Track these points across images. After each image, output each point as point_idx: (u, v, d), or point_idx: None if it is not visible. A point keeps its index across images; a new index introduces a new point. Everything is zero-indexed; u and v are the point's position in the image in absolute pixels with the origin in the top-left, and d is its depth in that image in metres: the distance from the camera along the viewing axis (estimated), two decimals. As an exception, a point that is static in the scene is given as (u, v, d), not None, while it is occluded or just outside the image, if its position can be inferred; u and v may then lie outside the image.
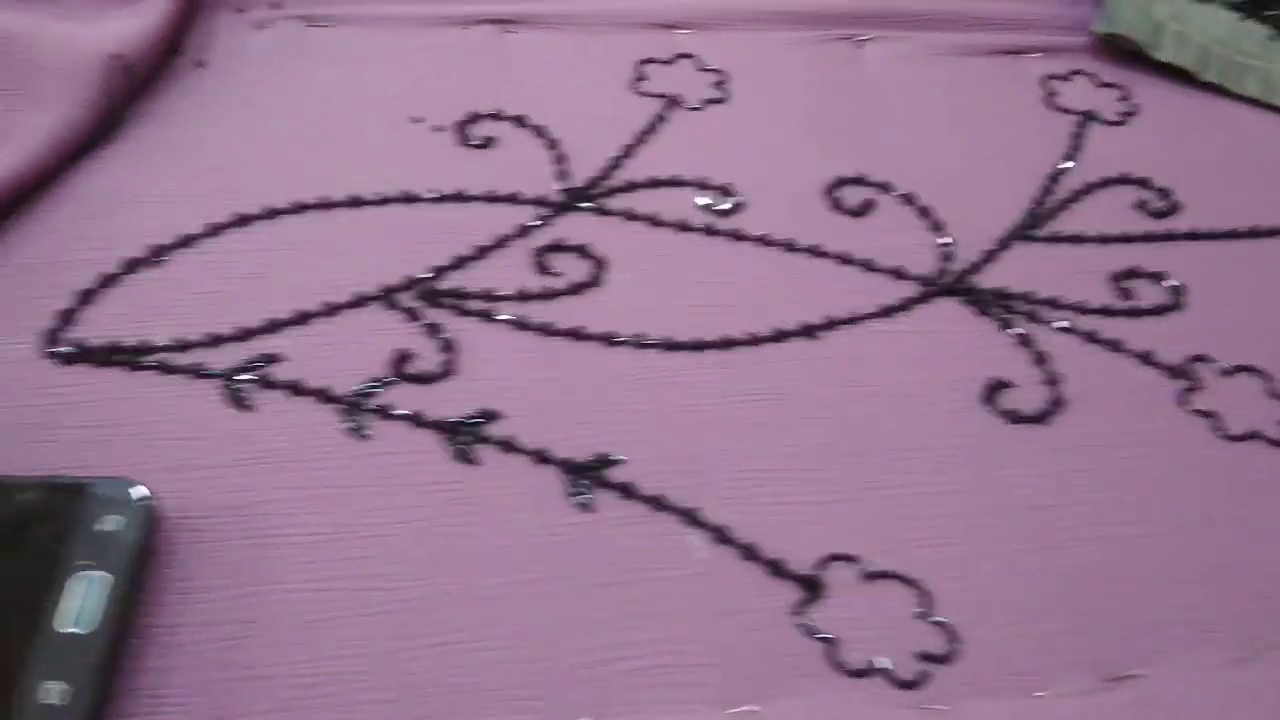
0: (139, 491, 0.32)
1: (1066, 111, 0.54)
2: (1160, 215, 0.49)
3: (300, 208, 0.44)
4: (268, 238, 0.43)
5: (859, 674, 0.33)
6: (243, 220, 0.43)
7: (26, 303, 0.39)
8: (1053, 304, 0.44)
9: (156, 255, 0.41)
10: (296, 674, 0.31)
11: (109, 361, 0.38)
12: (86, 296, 0.40)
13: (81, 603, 0.30)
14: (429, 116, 0.49)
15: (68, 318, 0.39)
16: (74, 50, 0.45)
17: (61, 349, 0.38)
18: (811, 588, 0.34)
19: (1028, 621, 0.34)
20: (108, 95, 0.45)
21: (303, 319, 0.40)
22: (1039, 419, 0.40)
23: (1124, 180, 0.51)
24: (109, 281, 0.40)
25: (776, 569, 0.35)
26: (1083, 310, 0.44)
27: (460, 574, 0.34)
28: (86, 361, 0.38)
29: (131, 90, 0.46)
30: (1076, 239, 0.48)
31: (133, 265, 0.41)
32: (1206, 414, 0.41)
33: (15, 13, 0.46)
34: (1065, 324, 0.44)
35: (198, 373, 0.38)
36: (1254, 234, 0.49)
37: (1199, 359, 0.43)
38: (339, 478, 0.36)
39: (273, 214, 0.44)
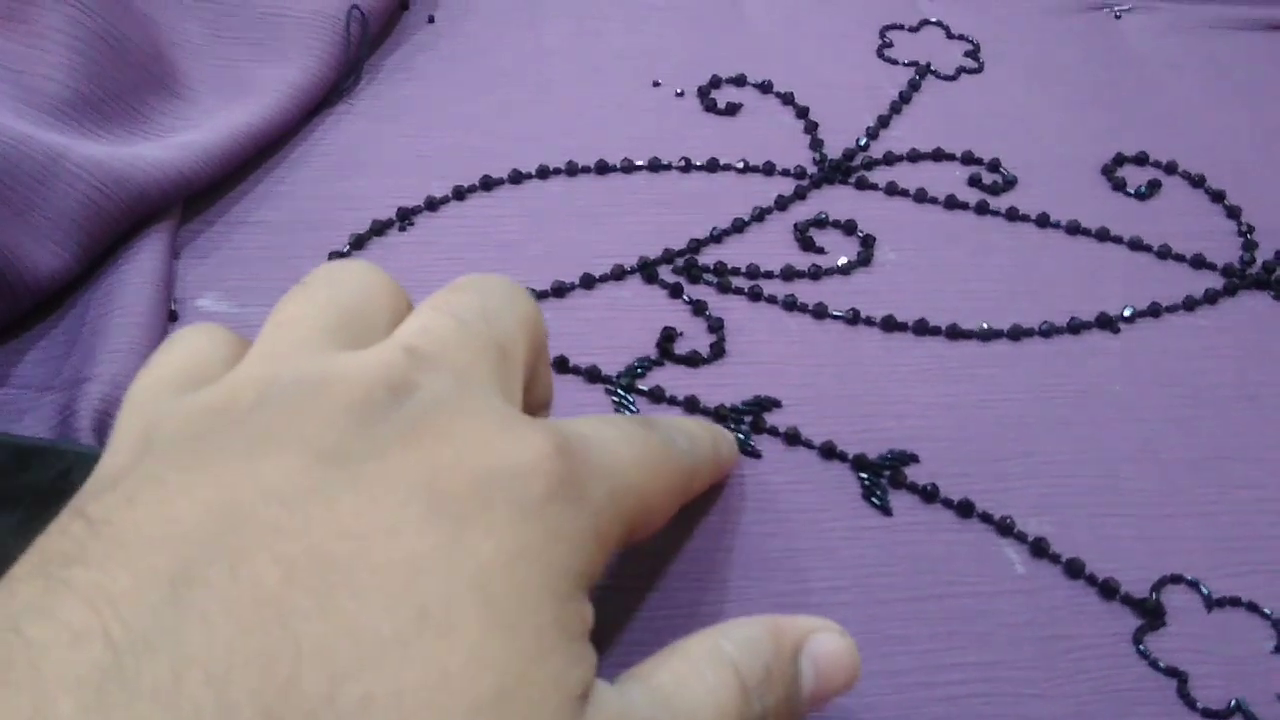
0: None
1: (1359, 91, 0.49)
2: None
3: (545, 172, 0.41)
4: (515, 203, 0.40)
5: (1217, 715, 0.29)
6: (487, 184, 0.41)
7: (276, 262, 0.37)
8: (1378, 303, 0.40)
9: (404, 218, 0.39)
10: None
11: (363, 328, 0.36)
12: (337, 257, 0.37)
13: None
14: (669, 80, 0.46)
15: (319, 281, 0.37)
16: None
17: (314, 313, 0.36)
18: (1152, 613, 0.30)
19: (1406, 665, 0.30)
20: (348, 47, 0.43)
21: (560, 291, 0.37)
22: (1381, 432, 0.36)
23: None
24: (358, 243, 0.38)
25: (1108, 590, 0.31)
26: None
27: (755, 578, 0.31)
28: (340, 328, 0.36)
29: (369, 42, 0.44)
30: (1393, 231, 0.43)
31: (380, 228, 0.39)
32: None
33: (254, -40, 0.44)
34: (1398, 326, 0.39)
35: (457, 344, 0.35)
36: None
37: None
38: (615, 464, 0.33)
39: (518, 178, 0.41)
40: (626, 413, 0.34)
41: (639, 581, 0.30)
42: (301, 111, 0.41)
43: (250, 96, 0.40)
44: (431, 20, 0.47)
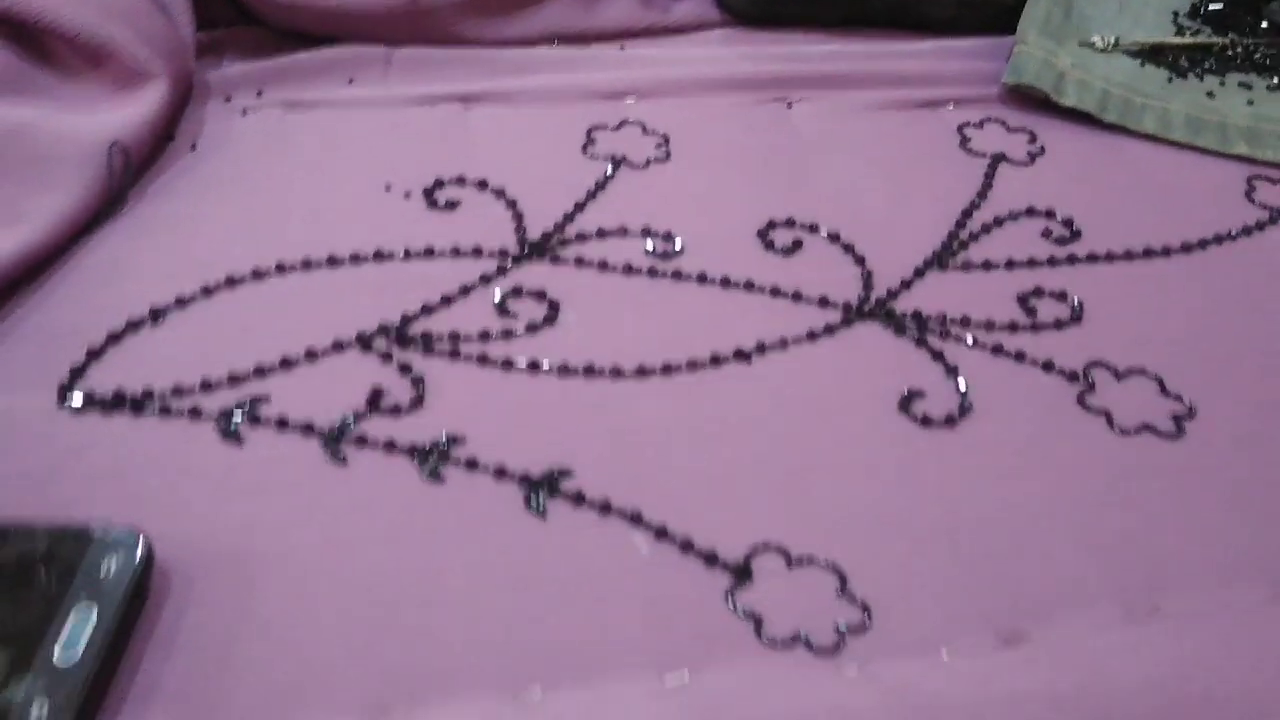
0: (135, 536, 0.36)
1: (979, 155, 0.60)
2: (1063, 242, 0.55)
3: (283, 268, 0.49)
4: (255, 296, 0.48)
5: (782, 645, 0.37)
6: (231, 282, 0.48)
7: (43, 361, 0.44)
8: (963, 323, 0.49)
9: (156, 316, 0.46)
10: (282, 668, 0.35)
11: (114, 409, 0.43)
12: (95, 353, 0.45)
13: (73, 631, 0.34)
14: (399, 185, 0.54)
15: (79, 373, 0.44)
16: (78, 138, 0.50)
17: (74, 401, 0.43)
18: (742, 573, 0.39)
19: (934, 595, 0.39)
20: (109, 177, 0.50)
21: (287, 364, 0.45)
22: (949, 423, 0.45)
23: (1030, 212, 0.56)
24: (114, 339, 0.45)
25: (710, 559, 0.39)
26: (991, 327, 0.49)
27: (429, 577, 0.38)
28: (95, 410, 0.43)
29: (131, 172, 0.52)
30: (986, 265, 0.53)
31: (135, 325, 0.46)
32: (1101, 412, 0.46)
33: (24, 106, 0.51)
34: (973, 339, 0.48)
35: (193, 414, 0.43)
36: (1147, 254, 0.54)
37: (1096, 364, 0.48)
38: (320, 499, 0.40)
39: (259, 275, 0.49)
40: (338, 460, 0.42)
41: (328, 589, 0.37)
42: (68, 234, 0.48)
43: (22, 224, 0.47)
44: (194, 148, 0.55)
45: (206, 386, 0.44)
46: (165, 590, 0.37)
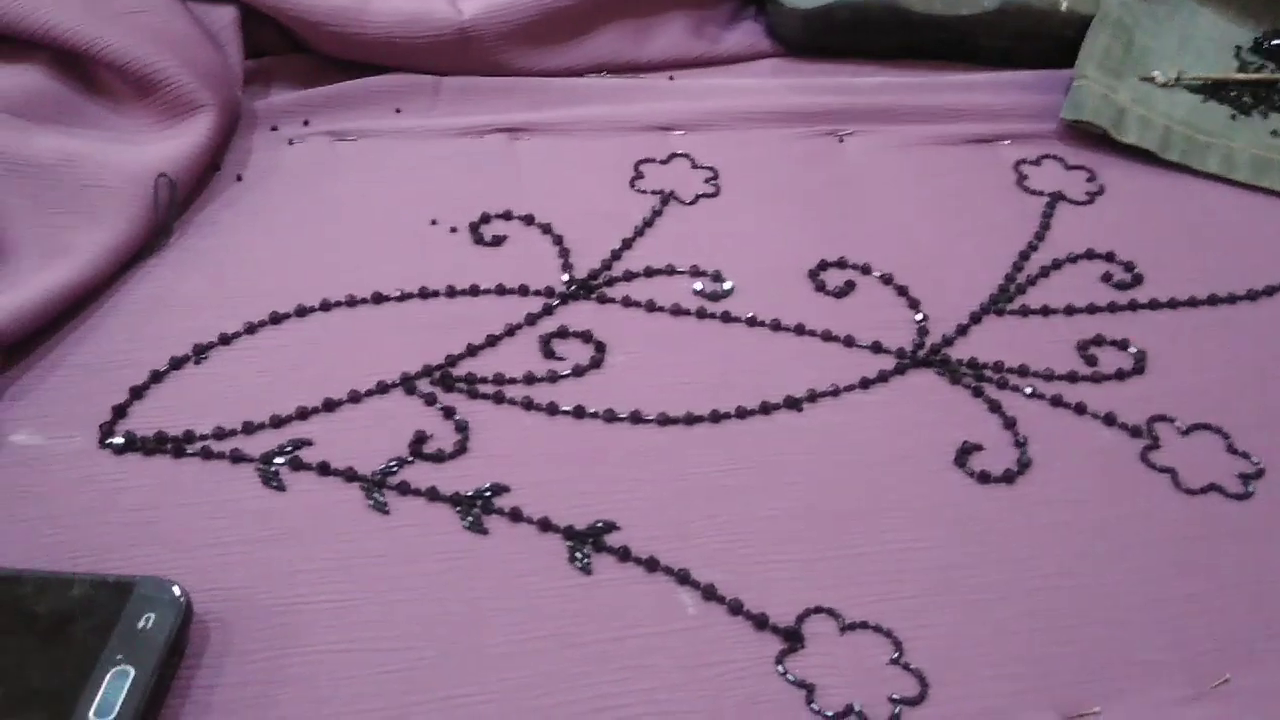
0: (173, 590, 0.36)
1: (1036, 193, 0.58)
2: (1124, 287, 0.53)
3: (328, 305, 0.49)
4: (299, 333, 0.47)
5: (835, 717, 0.36)
6: (276, 319, 0.48)
7: (85, 399, 0.44)
8: (1021, 372, 0.48)
9: (199, 353, 0.46)
10: (324, 724, 0.34)
11: (156, 450, 0.42)
12: (137, 392, 0.44)
13: (107, 694, 0.33)
14: (445, 219, 0.54)
15: (120, 412, 0.43)
16: (125, 170, 0.50)
17: (115, 440, 0.42)
18: (793, 638, 0.38)
19: (993, 664, 0.37)
20: (155, 209, 0.50)
21: (330, 406, 0.44)
22: (1007, 479, 0.43)
23: (1090, 255, 0.55)
24: (157, 378, 0.45)
25: (760, 622, 0.38)
26: (1050, 377, 0.48)
27: (469, 634, 0.37)
28: (136, 451, 0.42)
29: (177, 204, 0.51)
30: (1045, 311, 0.51)
31: (178, 363, 0.45)
32: (1166, 470, 0.44)
33: (71, 137, 0.51)
34: (1032, 389, 0.47)
35: (235, 458, 0.42)
36: (1212, 301, 0.52)
37: (1160, 419, 0.46)
38: (361, 549, 0.39)
39: (303, 312, 0.48)
40: (379, 508, 0.41)
41: (367, 645, 0.37)
42: (114, 268, 0.48)
43: (68, 257, 0.47)
44: (240, 179, 0.55)
45: (249, 428, 0.43)
46: (203, 641, 0.36)
